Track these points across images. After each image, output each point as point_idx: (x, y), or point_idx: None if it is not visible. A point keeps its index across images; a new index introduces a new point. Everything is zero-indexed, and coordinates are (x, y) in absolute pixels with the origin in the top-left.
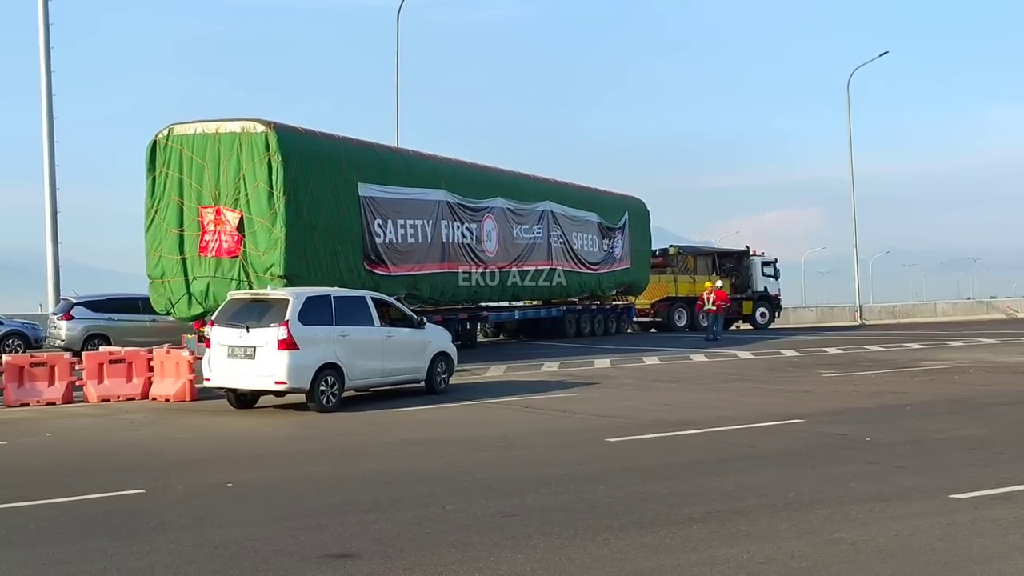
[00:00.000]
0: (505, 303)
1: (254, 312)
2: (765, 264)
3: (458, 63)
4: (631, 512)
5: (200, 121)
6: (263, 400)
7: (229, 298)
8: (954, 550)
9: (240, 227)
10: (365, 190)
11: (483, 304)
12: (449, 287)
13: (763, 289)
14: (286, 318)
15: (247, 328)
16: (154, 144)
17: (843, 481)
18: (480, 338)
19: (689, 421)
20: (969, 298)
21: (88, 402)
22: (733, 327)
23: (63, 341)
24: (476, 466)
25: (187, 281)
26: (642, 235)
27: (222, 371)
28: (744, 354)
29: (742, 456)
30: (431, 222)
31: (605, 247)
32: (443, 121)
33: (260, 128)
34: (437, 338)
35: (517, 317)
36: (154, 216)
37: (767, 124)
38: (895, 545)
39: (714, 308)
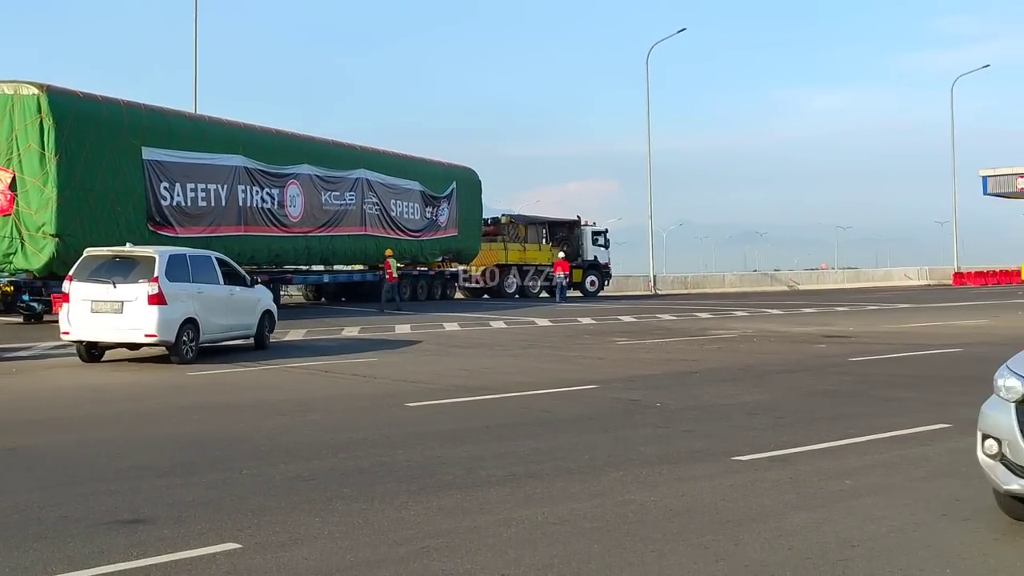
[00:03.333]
0: (315, 267)
1: (118, 268)
2: (596, 234)
3: (267, 26)
4: (429, 476)
5: None
6: (110, 354)
7: (86, 254)
8: (735, 509)
9: (13, 186)
10: (150, 154)
11: (288, 267)
12: (247, 250)
13: (593, 258)
14: (155, 274)
15: (114, 284)
16: None
17: (635, 445)
18: (301, 300)
19: (487, 386)
20: (755, 271)
21: None
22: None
23: None
24: (274, 430)
25: None
26: (472, 204)
27: (83, 325)
28: (542, 321)
29: (539, 421)
30: (226, 187)
31: (428, 215)
32: (255, 88)
33: (33, 90)
34: (265, 297)
35: (327, 281)
36: None
37: (568, 96)
38: (681, 505)
39: (396, 278)
